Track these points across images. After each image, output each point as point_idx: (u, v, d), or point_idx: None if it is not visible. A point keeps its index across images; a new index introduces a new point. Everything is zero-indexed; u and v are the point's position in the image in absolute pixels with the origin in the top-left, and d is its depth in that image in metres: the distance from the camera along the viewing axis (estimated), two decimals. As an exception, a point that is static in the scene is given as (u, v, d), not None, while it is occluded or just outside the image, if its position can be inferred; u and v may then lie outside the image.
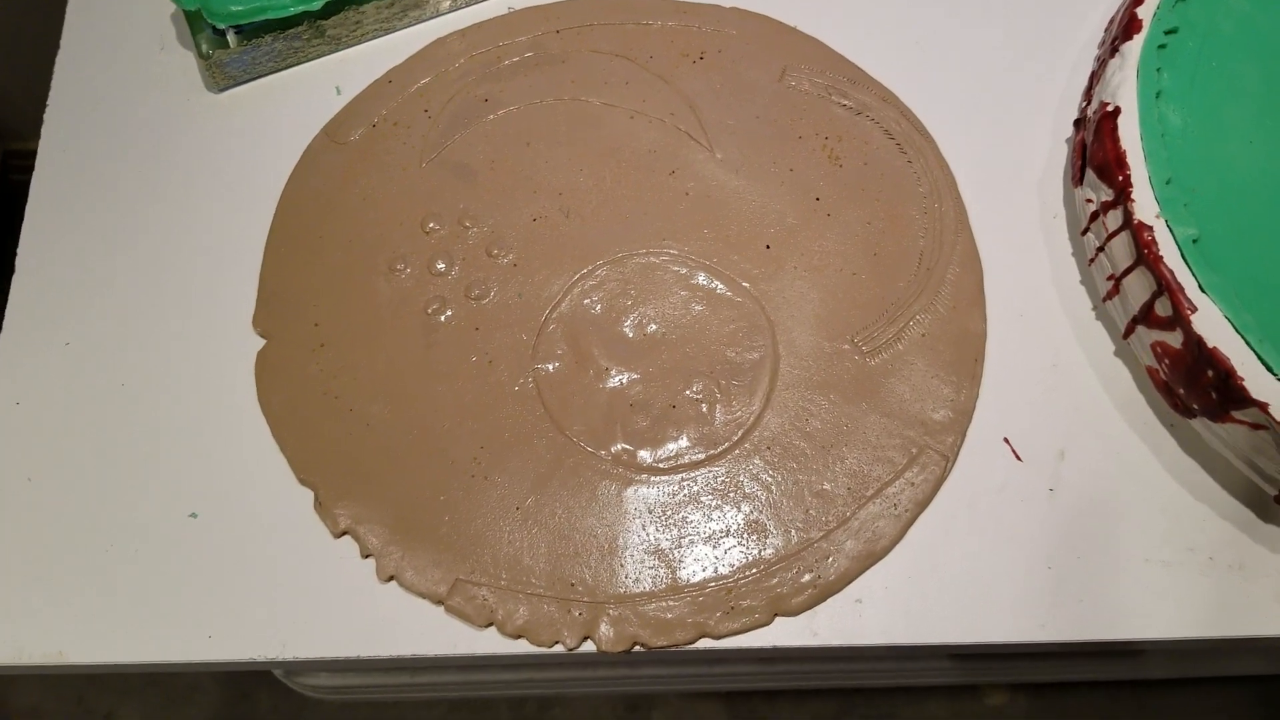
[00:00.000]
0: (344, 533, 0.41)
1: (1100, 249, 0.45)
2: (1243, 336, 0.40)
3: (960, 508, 0.42)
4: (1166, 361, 0.42)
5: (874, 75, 0.50)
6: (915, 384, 0.43)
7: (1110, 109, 0.45)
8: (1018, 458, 0.43)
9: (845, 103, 0.49)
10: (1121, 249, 0.43)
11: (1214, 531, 0.41)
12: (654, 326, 0.44)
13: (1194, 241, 0.42)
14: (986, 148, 0.49)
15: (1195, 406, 0.42)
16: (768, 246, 0.46)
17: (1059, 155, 0.49)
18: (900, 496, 0.42)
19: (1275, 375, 0.39)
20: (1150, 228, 0.42)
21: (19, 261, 0.47)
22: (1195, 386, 0.41)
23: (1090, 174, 0.45)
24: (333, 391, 0.43)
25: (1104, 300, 0.45)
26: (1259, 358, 0.40)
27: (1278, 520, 0.41)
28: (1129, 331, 0.44)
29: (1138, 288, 0.43)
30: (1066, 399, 0.44)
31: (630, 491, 0.41)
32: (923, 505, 0.42)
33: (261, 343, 0.45)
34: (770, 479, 0.42)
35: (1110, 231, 0.44)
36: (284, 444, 0.43)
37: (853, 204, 0.47)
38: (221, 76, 0.50)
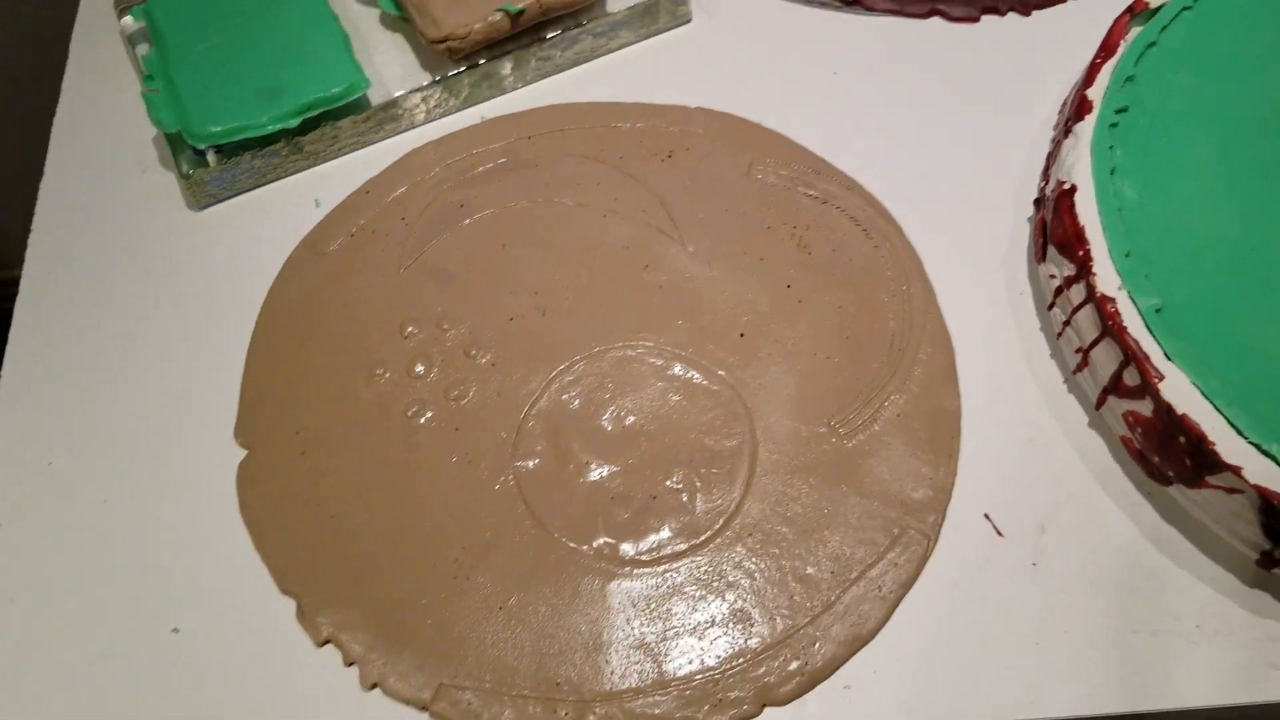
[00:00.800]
0: (326, 641, 0.41)
1: (1066, 323, 0.45)
2: (1211, 402, 0.41)
3: (945, 586, 0.42)
4: (1139, 430, 0.43)
5: (838, 165, 0.51)
6: (894, 464, 0.44)
7: (1067, 187, 0.46)
8: (999, 533, 0.43)
9: (811, 193, 0.50)
10: (1087, 322, 0.44)
11: (1199, 599, 0.41)
12: (632, 418, 0.45)
13: (1157, 311, 0.42)
14: (951, 230, 0.50)
15: (1171, 474, 0.42)
16: (742, 335, 0.47)
17: (1022, 234, 0.50)
18: (884, 578, 0.41)
19: (1246, 439, 0.40)
20: (1113, 300, 0.43)
21: (2, 385, 0.48)
22: (1169, 454, 0.42)
23: (1052, 250, 0.46)
24: (314, 499, 0.44)
25: (1074, 373, 0.46)
26: (1229, 422, 0.40)
27: (1262, 585, 0.41)
28: (1101, 402, 0.44)
29: (1105, 359, 0.43)
30: (1044, 472, 0.44)
31: (614, 586, 0.41)
32: (907, 586, 0.42)
33: (244, 454, 0.45)
34: (753, 566, 0.42)
35: (1075, 305, 0.45)
36: (266, 554, 0.43)
37: (823, 290, 0.48)
38: (202, 195, 0.52)
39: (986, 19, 0.56)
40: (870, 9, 0.56)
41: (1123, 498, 0.44)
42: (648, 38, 0.56)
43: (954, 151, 0.52)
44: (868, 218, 0.50)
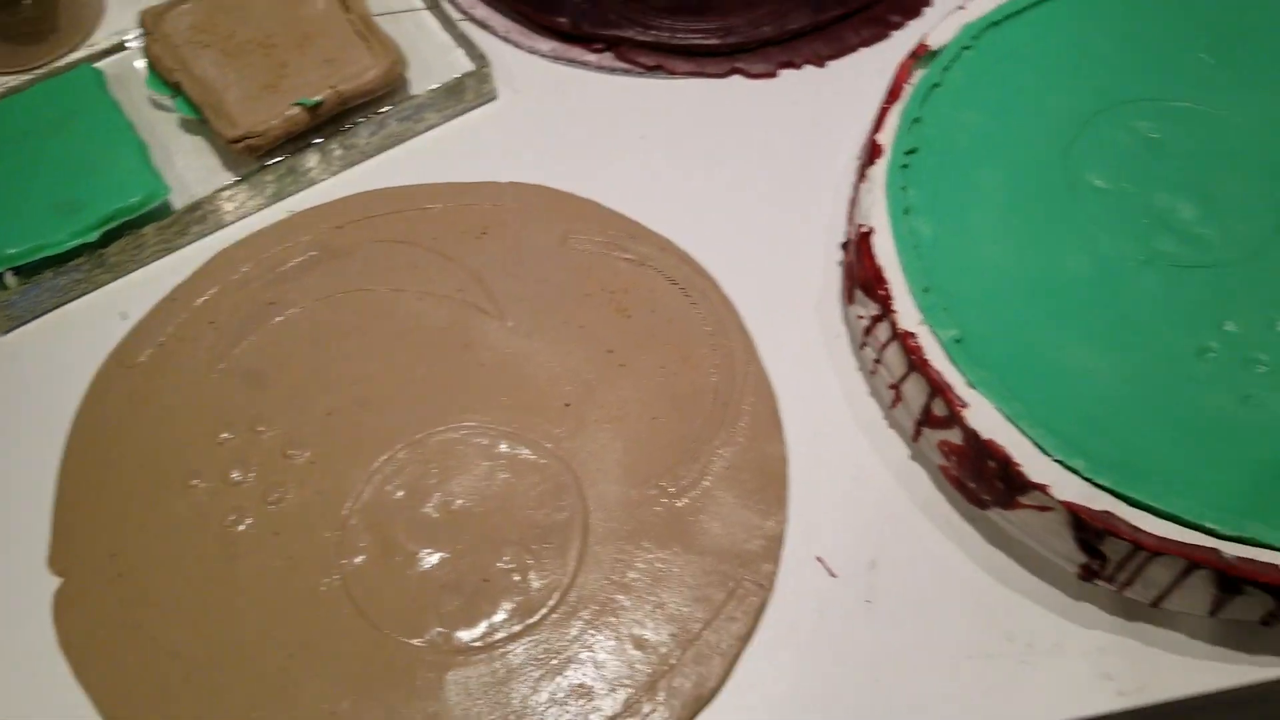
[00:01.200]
0: (154, 770, 0.39)
1: (878, 360, 0.47)
2: (1015, 424, 0.42)
3: (784, 634, 0.42)
4: (954, 458, 0.44)
5: (652, 227, 0.52)
6: (725, 518, 0.44)
7: (865, 229, 0.47)
8: (832, 574, 0.43)
9: (627, 256, 0.51)
10: (895, 358, 0.45)
11: (1028, 617, 0.42)
12: (460, 502, 0.44)
13: (957, 341, 0.44)
14: (766, 279, 0.50)
15: (988, 498, 0.43)
16: (567, 404, 0.47)
17: (833, 278, 0.51)
18: (723, 634, 0.41)
19: (1050, 457, 0.41)
20: (914, 334, 0.44)
21: None
22: (982, 479, 0.43)
23: (858, 292, 0.47)
24: (133, 622, 0.42)
25: (890, 408, 0.47)
26: (1033, 442, 0.41)
27: (1086, 596, 0.42)
28: (917, 435, 0.45)
29: (915, 392, 0.44)
30: (871, 509, 0.45)
31: (450, 676, 0.40)
32: (746, 639, 0.42)
33: (59, 582, 0.44)
34: (591, 638, 0.41)
35: (882, 343, 0.46)
36: (87, 685, 0.41)
37: (645, 352, 0.48)
38: (4, 319, 0.50)
39: (784, 73, 0.57)
40: (671, 73, 0.57)
41: (948, 526, 0.44)
42: (455, 117, 0.56)
43: (764, 203, 0.53)
44: (684, 276, 0.50)
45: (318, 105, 0.52)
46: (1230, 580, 0.39)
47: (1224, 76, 0.52)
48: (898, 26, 0.59)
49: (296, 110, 0.51)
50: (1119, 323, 0.45)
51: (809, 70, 0.57)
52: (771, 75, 0.57)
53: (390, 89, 0.54)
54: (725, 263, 0.51)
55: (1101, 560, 0.41)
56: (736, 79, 0.57)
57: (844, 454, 0.46)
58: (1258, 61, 0.52)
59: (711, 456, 0.45)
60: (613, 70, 0.57)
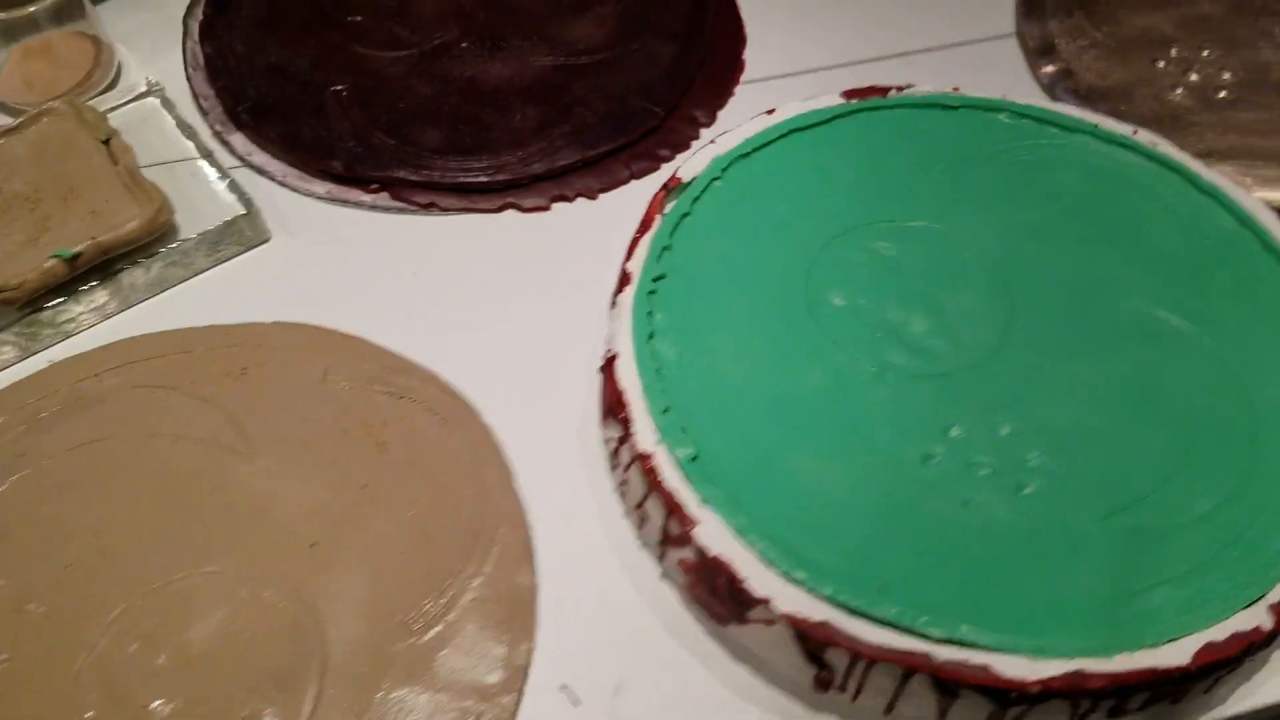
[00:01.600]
0: None
1: (624, 482, 0.47)
2: (743, 539, 0.43)
3: (522, 769, 0.41)
4: (691, 576, 0.44)
5: (421, 362, 0.53)
6: (468, 650, 0.44)
7: (611, 355, 0.48)
8: (575, 702, 0.43)
9: (388, 390, 0.51)
10: (636, 479, 0.46)
11: (768, 732, 0.42)
12: (197, 650, 0.43)
13: (693, 460, 0.45)
14: (530, 407, 0.51)
15: (724, 614, 0.43)
16: (314, 544, 0.46)
17: (595, 403, 0.52)
18: (459, 772, 0.41)
19: (775, 570, 0.42)
20: (651, 455, 0.45)
21: None
22: (716, 595, 0.43)
23: (608, 415, 0.48)
24: None
25: (640, 529, 0.47)
26: (759, 556, 0.42)
27: (824, 706, 0.43)
28: (662, 555, 0.46)
29: (655, 512, 0.45)
30: (620, 632, 0.45)
31: (170, 835, 0.39)
32: (482, 775, 0.41)
33: None
34: (322, 785, 0.40)
35: (625, 464, 0.47)
36: None
37: (399, 486, 0.48)
38: None
39: (557, 206, 0.59)
40: (444, 210, 0.59)
41: (694, 644, 0.45)
42: (227, 260, 0.57)
43: (532, 331, 0.54)
44: (445, 407, 0.51)
45: (76, 257, 0.52)
46: (946, 684, 0.40)
47: (959, 196, 0.55)
48: (667, 160, 0.61)
49: (54, 262, 0.51)
50: (849, 433, 0.46)
51: (581, 202, 0.59)
52: (544, 208, 0.59)
53: (155, 236, 0.54)
54: (491, 392, 0.52)
55: (830, 670, 0.41)
56: (510, 213, 0.59)
57: (596, 578, 0.46)
58: (989, 181, 0.55)
59: (460, 590, 0.45)
60: (387, 209, 0.59)
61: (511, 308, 0.55)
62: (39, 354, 0.53)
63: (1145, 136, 0.56)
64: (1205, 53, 0.65)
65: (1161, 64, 0.65)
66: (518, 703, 0.43)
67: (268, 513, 0.47)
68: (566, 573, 0.46)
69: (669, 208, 0.54)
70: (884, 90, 0.59)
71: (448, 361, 0.53)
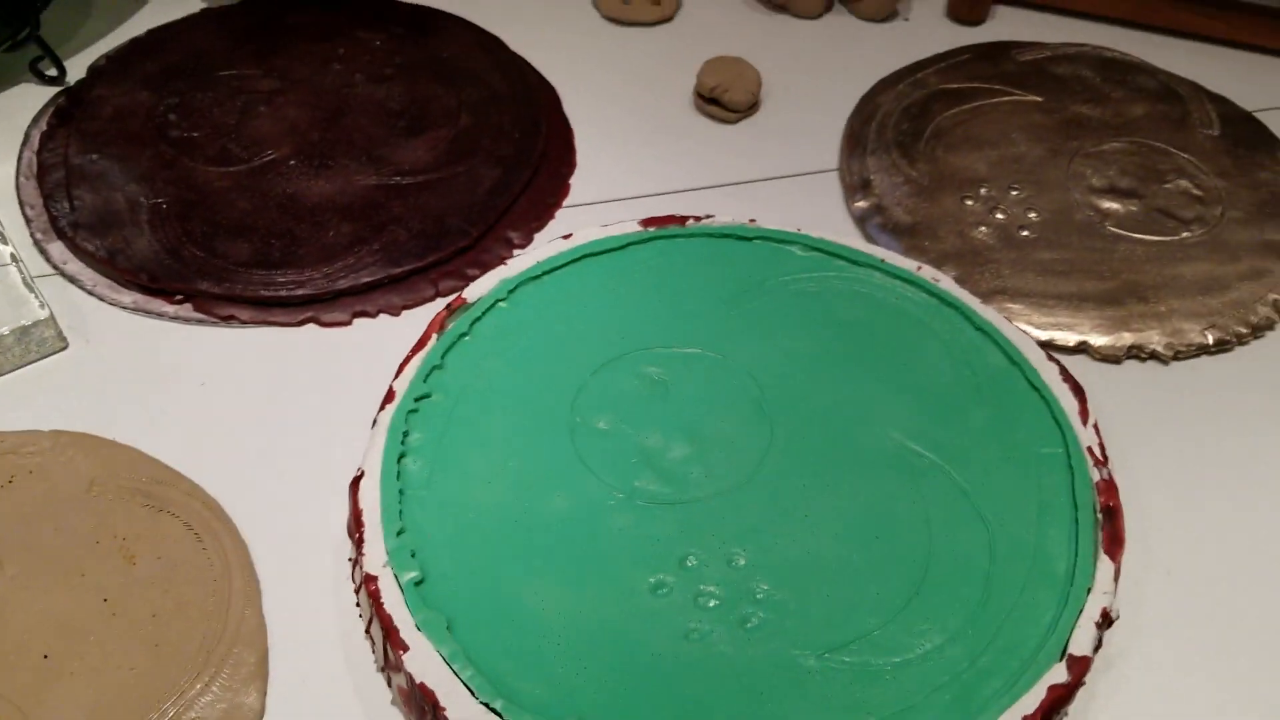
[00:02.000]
0: None
1: (359, 604, 0.47)
2: (452, 667, 0.42)
3: None
4: (406, 706, 0.44)
5: (191, 474, 0.53)
6: (177, 773, 0.43)
7: (358, 474, 0.49)
8: (276, 832, 0.42)
9: (148, 503, 0.51)
10: (365, 601, 0.46)
11: None
12: (-103, 765, 0.43)
13: (417, 584, 0.45)
14: (290, 524, 0.51)
15: (433, 743, 0.43)
16: (46, 656, 0.46)
17: (356, 519, 0.52)
18: None
19: (478, 700, 0.42)
20: (376, 577, 0.45)
21: None
22: (423, 723, 0.43)
23: (350, 535, 0.48)
24: None
25: (373, 653, 0.47)
26: (465, 685, 0.42)
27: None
28: (388, 680, 0.45)
29: (377, 636, 0.45)
30: (337, 759, 0.44)
31: None
32: None
33: None
34: None
35: (356, 586, 0.47)
36: None
37: (141, 599, 0.48)
38: None
39: (359, 321, 0.60)
40: (244, 322, 0.59)
41: (409, 774, 0.44)
42: (22, 366, 0.57)
43: (308, 447, 0.54)
44: (201, 521, 0.51)
45: None
46: (630, 823, 0.39)
47: (738, 325, 0.56)
48: (474, 279, 0.62)
49: None
50: (583, 560, 0.46)
51: (384, 318, 0.60)
52: (345, 323, 0.60)
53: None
54: (254, 508, 0.52)
55: (527, 806, 0.41)
56: (311, 327, 0.60)
57: (328, 701, 0.46)
58: (771, 311, 0.56)
59: (184, 708, 0.45)
60: (188, 320, 0.60)
61: (291, 423, 0.56)
62: None
63: (929, 272, 0.58)
64: (1014, 192, 0.67)
65: (970, 202, 0.67)
66: (218, 830, 0.42)
67: (5, 623, 0.47)
68: (299, 695, 0.46)
69: (449, 327, 0.55)
70: (683, 219, 0.60)
71: (216, 475, 0.53)
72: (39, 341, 0.57)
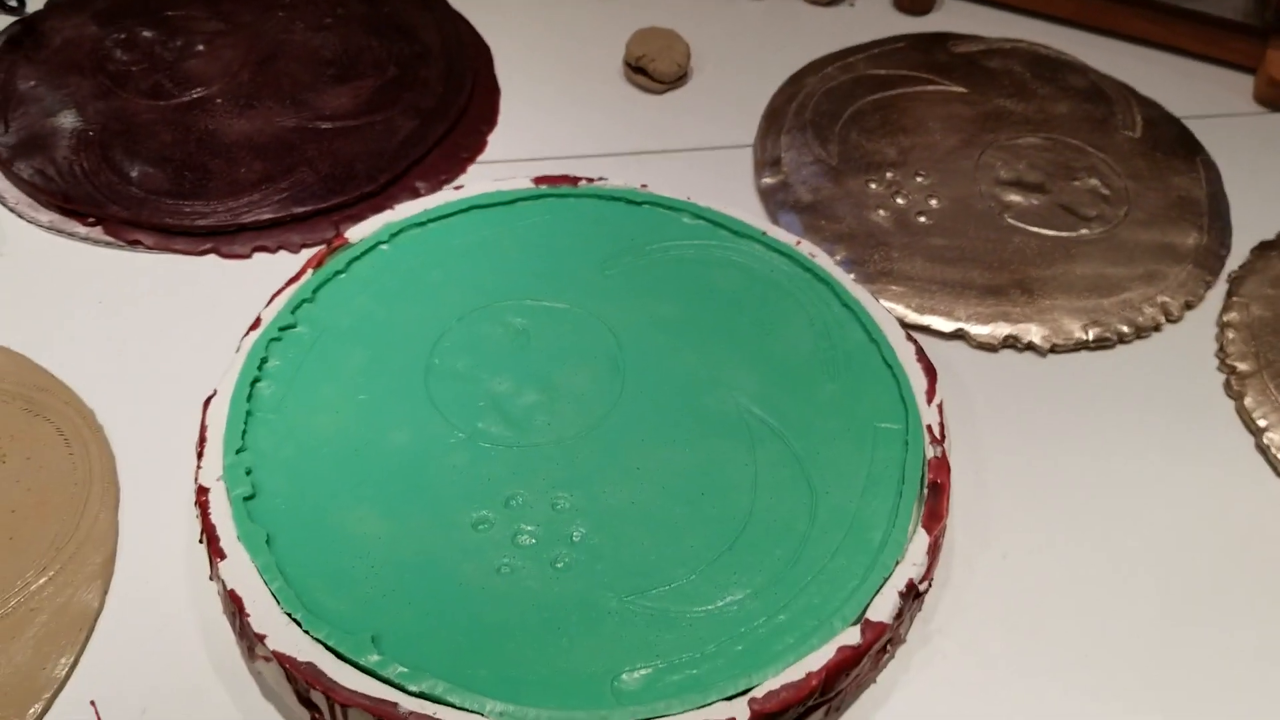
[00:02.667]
0: None
1: (198, 515, 0.49)
2: (263, 579, 0.45)
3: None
4: (225, 609, 0.46)
5: (72, 384, 0.55)
6: (10, 657, 0.45)
7: (212, 393, 0.51)
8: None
9: (28, 407, 0.54)
10: (196, 512, 0.48)
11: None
12: None
13: (246, 499, 0.47)
14: (158, 439, 0.54)
15: (243, 649, 0.45)
16: (-96, 543, 0.49)
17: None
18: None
19: (281, 610, 0.44)
20: (208, 489, 0.47)
21: None
22: (235, 628, 0.45)
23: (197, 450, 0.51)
24: None
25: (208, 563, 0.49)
26: (272, 596, 0.44)
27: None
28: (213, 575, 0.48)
29: (205, 545, 0.47)
30: (166, 658, 0.46)
31: None
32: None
33: None
34: None
35: (194, 497, 0.49)
36: None
37: (3, 495, 0.51)
38: None
39: (259, 256, 0.62)
40: (150, 248, 0.62)
41: (233, 678, 0.46)
42: (-70, 274, 0.60)
43: (187, 369, 0.56)
44: (74, 429, 0.53)
45: None
46: (408, 735, 0.41)
47: (610, 284, 0.57)
48: (378, 224, 0.64)
49: None
50: (412, 493, 0.48)
51: (283, 255, 0.63)
52: (245, 256, 0.62)
53: None
54: (127, 421, 0.54)
55: (318, 712, 0.43)
56: (212, 257, 0.62)
57: (164, 605, 0.48)
58: (645, 274, 0.58)
59: (25, 600, 0.47)
60: (98, 242, 0.62)
61: (176, 347, 0.58)
62: None
63: (807, 248, 0.59)
64: (920, 179, 0.68)
65: (874, 185, 0.68)
66: (41, 714, 0.45)
67: None
68: (137, 597, 0.49)
69: (326, 264, 0.57)
70: (575, 180, 0.62)
71: (97, 388, 0.55)
72: (-51, 251, 0.60)
